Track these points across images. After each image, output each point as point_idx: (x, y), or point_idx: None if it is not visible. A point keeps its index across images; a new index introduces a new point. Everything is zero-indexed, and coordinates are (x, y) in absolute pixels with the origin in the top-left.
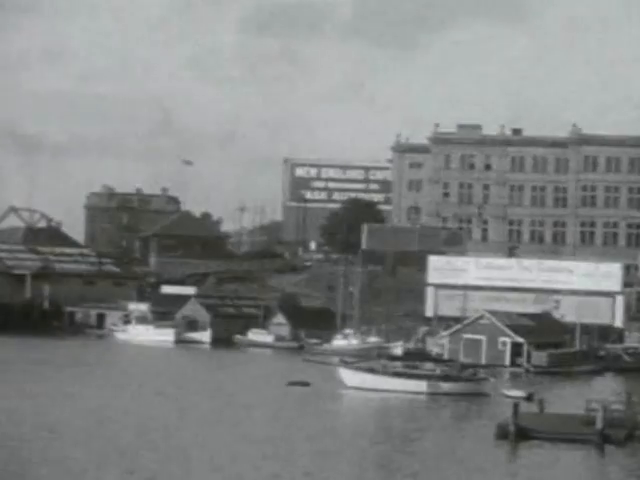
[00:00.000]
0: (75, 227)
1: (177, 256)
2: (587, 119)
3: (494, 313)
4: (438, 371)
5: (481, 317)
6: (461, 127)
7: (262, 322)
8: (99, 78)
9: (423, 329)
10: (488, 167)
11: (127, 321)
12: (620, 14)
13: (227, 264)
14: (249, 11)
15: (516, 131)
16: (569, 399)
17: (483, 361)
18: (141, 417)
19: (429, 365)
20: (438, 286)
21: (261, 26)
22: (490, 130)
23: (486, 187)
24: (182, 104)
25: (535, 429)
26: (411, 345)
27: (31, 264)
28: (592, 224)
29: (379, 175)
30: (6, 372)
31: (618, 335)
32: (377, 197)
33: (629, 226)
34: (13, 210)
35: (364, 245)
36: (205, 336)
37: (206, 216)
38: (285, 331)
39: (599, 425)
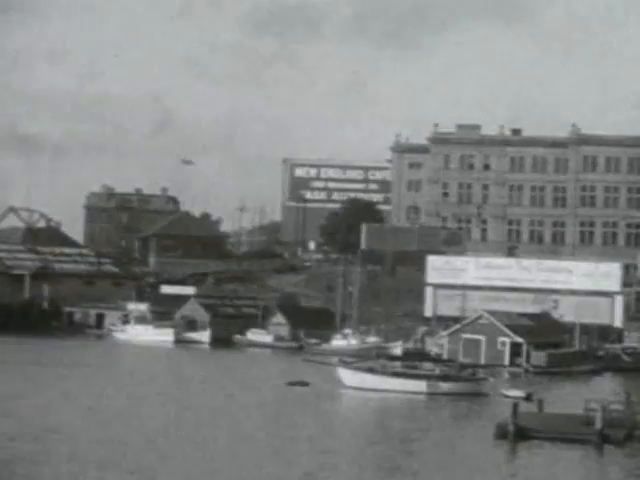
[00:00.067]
0: (74, 227)
1: (176, 256)
2: (586, 119)
3: (493, 313)
4: (437, 371)
5: (480, 317)
6: (460, 127)
7: (261, 322)
8: (99, 78)
9: (422, 329)
10: (487, 167)
11: (126, 321)
12: (620, 14)
13: (226, 264)
14: (249, 11)
15: (515, 131)
16: (568, 399)
17: (482, 361)
18: (140, 417)
19: (428, 365)
20: (437, 286)
21: (261, 26)
22: (489, 130)
23: (485, 187)
24: (182, 104)
25: (534, 429)
26: (410, 345)
27: (30, 264)
28: (591, 224)
29: (378, 175)
30: (5, 372)
31: (617, 335)
32: (376, 197)
33: (628, 226)
34: (12, 210)
35: (363, 245)
36: (204, 336)
37: (205, 216)
38: (284, 331)
39: (598, 425)
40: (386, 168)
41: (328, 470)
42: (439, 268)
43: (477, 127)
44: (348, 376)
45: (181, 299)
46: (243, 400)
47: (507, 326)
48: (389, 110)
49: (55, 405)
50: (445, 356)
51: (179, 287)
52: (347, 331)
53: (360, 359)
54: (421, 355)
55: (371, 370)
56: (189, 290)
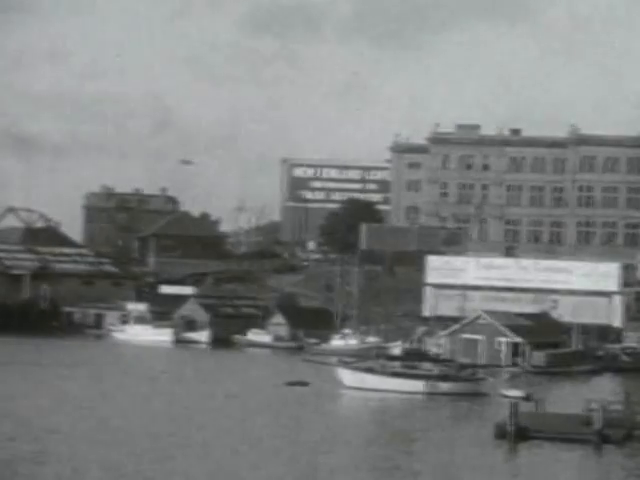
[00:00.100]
0: (73, 227)
1: (176, 256)
2: (586, 119)
3: (492, 313)
4: (436, 371)
5: (479, 317)
6: (460, 127)
7: (261, 322)
8: (99, 78)
9: (421, 329)
10: (486, 167)
11: (125, 321)
12: (620, 14)
13: (226, 264)
14: (249, 11)
15: (515, 131)
16: (567, 399)
17: (481, 361)
18: (140, 417)
19: (427, 365)
20: (436, 286)
21: (261, 26)
22: (489, 130)
23: (485, 187)
24: (181, 104)
25: (534, 429)
26: (409, 345)
27: (29, 264)
28: (590, 224)
29: (378, 175)
30: (4, 372)
31: (616, 335)
32: (376, 197)
33: (627, 226)
34: (11, 210)
35: (363, 245)
36: (203, 336)
37: (205, 216)
38: (284, 331)
39: (598, 425)
40: (385, 168)
41: (327, 470)
42: (438, 268)
43: (476, 127)
44: (347, 376)
45: (180, 299)
46: (242, 400)
47: (506, 326)
48: (389, 110)
49: (55, 405)
50: (444, 356)
51: (178, 287)
52: (346, 331)
53: (359, 359)
54: (420, 355)
55: (370, 370)
56: (188, 290)
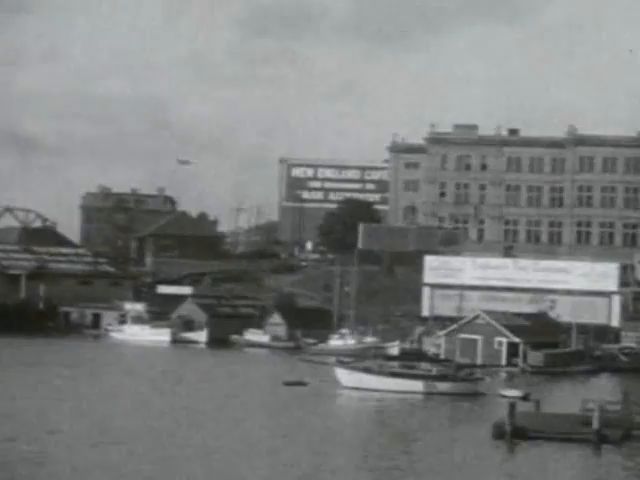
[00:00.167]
0: (71, 227)
1: (173, 256)
2: (584, 119)
3: (490, 313)
4: (434, 371)
5: (477, 317)
6: (457, 127)
7: (258, 322)
8: (98, 78)
9: (419, 329)
10: (484, 167)
11: (123, 321)
12: (618, 14)
13: (223, 264)
14: (247, 11)
15: (512, 131)
16: (565, 399)
17: (479, 361)
18: (139, 417)
19: (425, 365)
20: (434, 286)
21: (259, 26)
22: (486, 130)
23: (482, 187)
24: (179, 104)
25: (532, 429)
26: (407, 345)
27: (26, 264)
28: (588, 224)
29: (375, 175)
30: (2, 372)
31: (614, 335)
32: (373, 197)
33: (625, 226)
34: (8, 210)
35: (360, 245)
36: (201, 336)
37: (202, 216)
38: (281, 331)
39: (596, 425)
40: (383, 168)
41: (326, 470)
42: (436, 268)
43: (474, 127)
44: (345, 376)
45: (178, 299)
46: (240, 400)
47: (504, 326)
48: (387, 110)
49: (54, 406)
50: (442, 356)
51: (176, 287)
52: (344, 331)
53: (357, 359)
54: (418, 355)
55: (368, 370)
56: (186, 290)
